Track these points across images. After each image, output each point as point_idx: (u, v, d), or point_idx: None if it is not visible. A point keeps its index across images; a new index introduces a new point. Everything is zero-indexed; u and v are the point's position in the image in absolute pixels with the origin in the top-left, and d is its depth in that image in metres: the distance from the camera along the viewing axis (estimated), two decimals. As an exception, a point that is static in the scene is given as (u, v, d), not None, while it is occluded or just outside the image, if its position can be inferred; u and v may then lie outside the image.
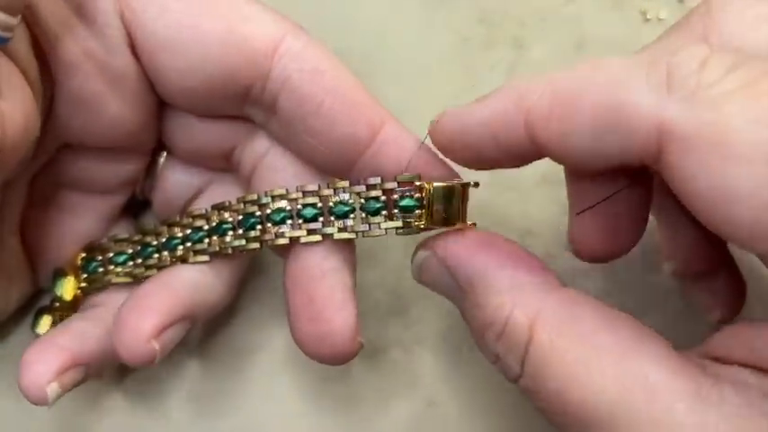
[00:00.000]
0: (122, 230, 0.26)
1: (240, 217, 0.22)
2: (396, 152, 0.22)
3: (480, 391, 0.27)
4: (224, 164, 0.25)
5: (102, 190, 0.25)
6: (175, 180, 0.26)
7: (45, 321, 0.26)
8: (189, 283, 0.23)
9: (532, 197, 0.28)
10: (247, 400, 0.27)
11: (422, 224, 0.21)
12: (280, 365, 0.28)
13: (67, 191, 0.25)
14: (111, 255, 0.25)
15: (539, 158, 0.20)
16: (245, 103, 0.23)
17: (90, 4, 0.21)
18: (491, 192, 0.28)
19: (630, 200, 0.20)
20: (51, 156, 0.24)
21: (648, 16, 0.29)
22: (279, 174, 0.23)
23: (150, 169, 0.26)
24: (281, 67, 0.22)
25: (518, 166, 0.20)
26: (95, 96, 0.22)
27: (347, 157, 0.22)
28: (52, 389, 0.22)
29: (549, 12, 0.29)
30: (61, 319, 0.25)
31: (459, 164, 0.21)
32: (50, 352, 0.23)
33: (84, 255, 0.25)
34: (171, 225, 0.24)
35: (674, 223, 0.23)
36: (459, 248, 0.20)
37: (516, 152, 0.19)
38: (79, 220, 0.25)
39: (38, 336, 0.25)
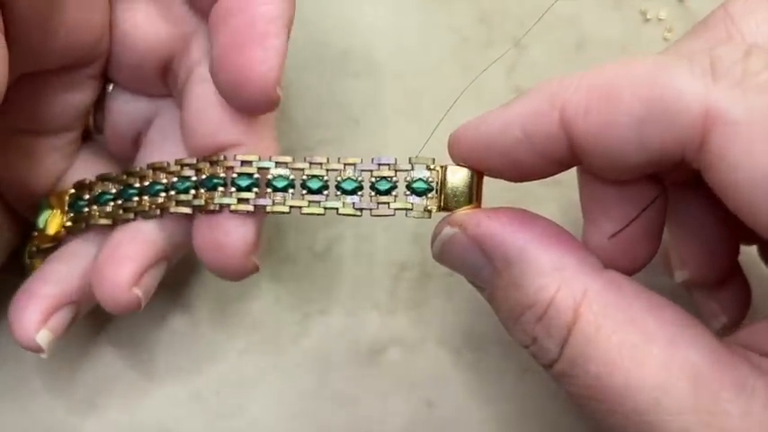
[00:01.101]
0: (87, 163, 0.26)
1: (235, 175, 0.22)
2: None
3: (479, 393, 0.27)
4: (163, 84, 0.24)
5: (57, 127, 0.25)
6: (123, 110, 0.25)
7: (54, 219, 0.25)
8: (159, 226, 0.23)
9: (533, 196, 0.28)
10: (247, 399, 0.27)
11: (434, 207, 0.21)
12: (279, 365, 0.28)
13: (22, 136, 0.25)
14: (97, 194, 0.24)
15: (572, 164, 0.19)
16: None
17: None
18: (491, 191, 0.27)
19: (654, 208, 0.20)
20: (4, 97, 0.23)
21: (648, 16, 0.29)
22: (206, 85, 0.22)
23: (99, 102, 0.25)
24: None
25: (553, 173, 0.20)
26: (48, 2, 0.21)
27: None
28: (42, 336, 0.23)
29: (549, 12, 0.29)
30: (38, 250, 0.25)
31: (492, 175, 0.21)
32: (32, 301, 0.23)
33: (72, 191, 0.25)
34: (157, 169, 0.23)
35: (688, 232, 0.22)
36: (495, 225, 0.19)
37: (551, 153, 0.18)
38: (41, 163, 0.25)
39: (38, 228, 0.25)
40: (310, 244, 0.28)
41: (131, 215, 0.23)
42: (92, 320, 0.27)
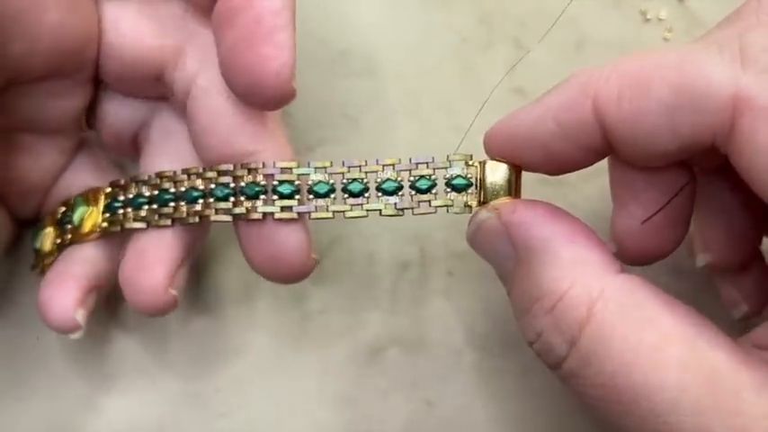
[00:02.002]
0: (87, 161, 0.26)
1: (276, 183, 0.22)
2: None
3: (480, 393, 0.27)
4: (155, 90, 0.24)
5: (51, 129, 0.25)
6: (117, 112, 0.25)
7: (47, 238, 0.25)
8: (181, 228, 0.24)
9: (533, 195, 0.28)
10: (247, 399, 0.27)
11: (474, 202, 0.21)
12: (279, 364, 0.28)
13: (19, 134, 0.24)
14: (131, 196, 0.24)
15: (606, 152, 0.19)
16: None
17: None
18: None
19: (679, 196, 0.20)
20: None
21: (648, 16, 0.29)
22: (213, 97, 0.22)
23: (93, 103, 0.25)
24: None
25: (589, 164, 0.20)
26: (32, 4, 0.21)
27: None
28: (80, 315, 0.24)
29: (548, 12, 0.29)
30: (63, 245, 0.25)
31: (528, 168, 0.21)
32: (69, 281, 0.24)
33: (109, 190, 0.25)
34: (192, 175, 0.23)
35: (713, 217, 0.22)
36: (528, 214, 0.20)
37: (585, 142, 0.19)
38: (38, 161, 0.25)
39: (35, 249, 0.25)
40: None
41: (168, 221, 0.23)
42: (91, 320, 0.27)
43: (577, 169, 0.20)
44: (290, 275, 0.23)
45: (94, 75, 0.24)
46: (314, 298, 0.28)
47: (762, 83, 0.16)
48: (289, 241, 0.22)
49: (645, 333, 0.17)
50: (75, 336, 0.24)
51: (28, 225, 0.26)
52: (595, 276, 0.18)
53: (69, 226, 0.25)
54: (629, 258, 0.20)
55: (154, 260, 0.23)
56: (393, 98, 0.29)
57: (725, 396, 0.16)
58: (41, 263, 0.25)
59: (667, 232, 0.20)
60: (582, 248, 0.18)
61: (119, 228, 0.24)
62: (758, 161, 0.16)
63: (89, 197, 0.25)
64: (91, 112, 0.25)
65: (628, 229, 0.20)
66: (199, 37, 0.23)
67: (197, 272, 0.28)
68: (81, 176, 0.26)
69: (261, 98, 0.21)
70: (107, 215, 0.24)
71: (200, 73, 0.23)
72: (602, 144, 0.19)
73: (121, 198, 0.24)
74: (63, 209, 0.25)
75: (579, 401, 0.18)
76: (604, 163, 0.21)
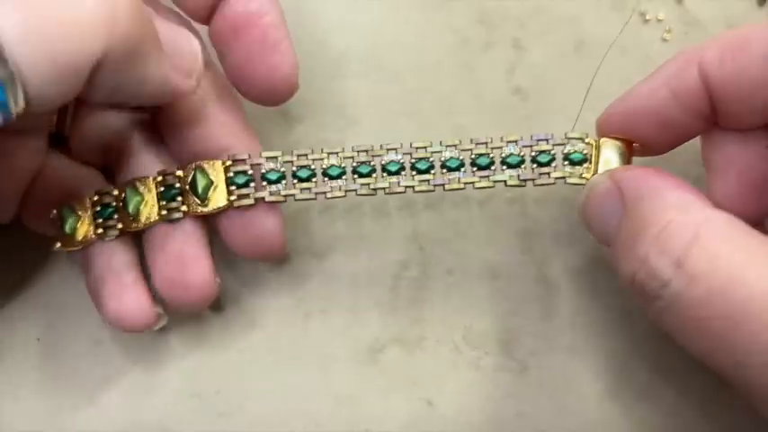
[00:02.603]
0: (61, 162, 0.26)
1: (413, 160, 0.24)
2: None
3: (479, 392, 0.28)
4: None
5: (22, 128, 0.24)
6: (91, 121, 0.25)
7: (82, 225, 0.25)
8: (195, 222, 0.25)
9: (531, 194, 0.28)
10: (247, 398, 0.27)
11: (589, 175, 0.24)
12: (279, 364, 0.28)
13: None
14: (130, 197, 0.24)
15: (712, 118, 0.22)
16: None
17: None
18: (490, 191, 0.28)
19: (765, 159, 0.22)
20: None
21: (648, 17, 0.29)
22: (186, 100, 0.24)
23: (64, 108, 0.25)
24: None
25: (696, 133, 0.23)
26: None
27: None
28: (158, 308, 0.25)
29: (547, 12, 0.29)
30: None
31: (642, 141, 0.23)
32: (132, 288, 0.25)
33: (96, 198, 0.25)
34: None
35: None
36: (638, 171, 0.22)
37: (695, 105, 0.21)
38: (10, 162, 0.25)
39: (65, 231, 0.25)
40: (310, 243, 0.28)
41: (179, 214, 0.24)
42: (91, 320, 0.27)
43: (685, 140, 0.23)
44: (271, 256, 0.26)
45: None
46: (314, 297, 0.28)
47: None
48: (268, 223, 0.24)
49: (752, 249, 0.18)
50: (160, 325, 0.26)
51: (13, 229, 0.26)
52: (700, 209, 0.19)
53: (116, 216, 0.25)
54: None
55: (191, 256, 0.24)
56: (393, 98, 0.29)
57: None
58: (68, 246, 0.25)
59: (762, 197, 0.22)
60: (686, 193, 0.20)
61: (181, 215, 0.24)
62: None
63: (76, 206, 0.25)
64: (61, 114, 0.25)
65: (724, 194, 0.22)
66: (167, 44, 0.23)
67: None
68: (59, 176, 0.25)
69: (274, 99, 0.24)
70: (99, 220, 0.25)
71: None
72: (707, 107, 0.21)
73: (114, 204, 0.25)
74: (96, 197, 0.25)
75: (672, 337, 0.19)
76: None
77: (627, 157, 0.23)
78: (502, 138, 0.24)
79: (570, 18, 0.29)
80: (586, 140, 0.24)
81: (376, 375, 0.28)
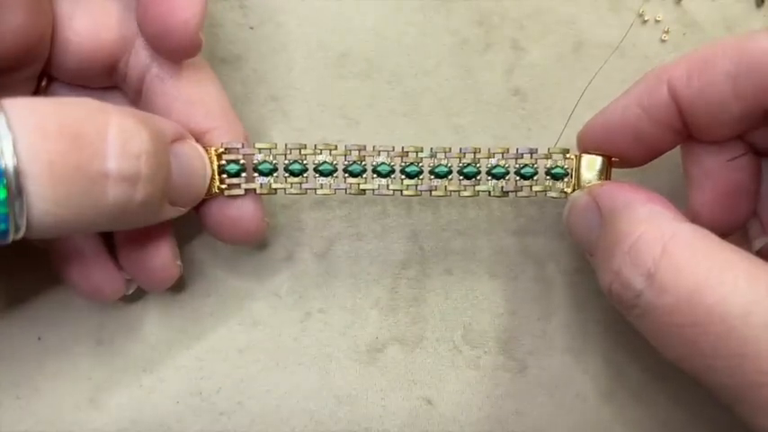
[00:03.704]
0: None
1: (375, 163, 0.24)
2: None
3: (478, 391, 0.28)
4: (109, 80, 0.25)
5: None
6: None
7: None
8: None
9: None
10: (248, 397, 0.27)
11: (569, 189, 0.25)
12: (280, 363, 0.28)
13: None
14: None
15: (683, 132, 0.23)
16: None
17: None
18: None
19: (747, 168, 0.23)
20: None
21: (646, 18, 0.29)
22: (167, 82, 0.24)
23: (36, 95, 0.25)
24: None
25: (671, 146, 0.24)
26: None
27: None
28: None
29: (546, 13, 0.29)
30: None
31: (620, 155, 0.24)
32: (97, 260, 0.25)
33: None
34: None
35: None
36: (612, 185, 0.23)
37: (665, 119, 0.22)
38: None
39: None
40: (310, 243, 0.28)
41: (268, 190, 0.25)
42: (92, 319, 0.27)
43: (661, 153, 0.24)
44: (248, 237, 0.25)
45: (41, 70, 0.24)
46: (314, 297, 0.28)
47: None
48: (245, 206, 0.25)
49: (715, 258, 0.19)
50: (132, 288, 0.26)
51: None
52: (668, 223, 0.20)
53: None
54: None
55: (155, 239, 0.25)
56: (392, 99, 0.29)
57: None
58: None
59: (737, 206, 0.23)
60: (656, 206, 0.21)
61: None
62: None
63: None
64: None
65: (702, 203, 0.23)
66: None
67: (198, 272, 0.28)
68: None
69: (170, 45, 0.23)
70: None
71: (152, 62, 0.24)
72: (678, 122, 0.22)
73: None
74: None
75: (652, 344, 0.20)
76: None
77: (606, 172, 0.24)
78: (489, 149, 0.24)
79: (569, 19, 0.29)
80: (567, 156, 0.25)
81: (376, 374, 0.28)
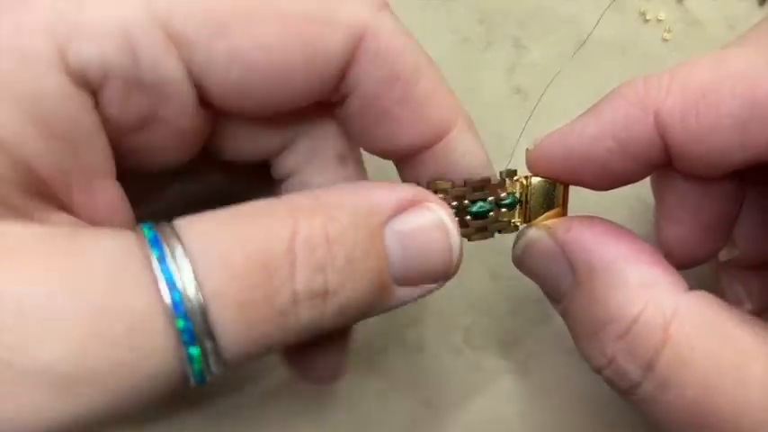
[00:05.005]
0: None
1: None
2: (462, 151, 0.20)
3: (479, 393, 0.28)
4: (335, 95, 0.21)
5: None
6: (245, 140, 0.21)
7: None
8: None
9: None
10: (247, 399, 0.27)
11: (518, 221, 0.20)
12: (280, 364, 0.28)
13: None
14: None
15: (664, 165, 0.19)
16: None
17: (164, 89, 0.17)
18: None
19: (733, 197, 0.20)
20: None
21: (648, 17, 0.29)
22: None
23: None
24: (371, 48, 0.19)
25: (642, 178, 0.19)
26: (160, 150, 0.19)
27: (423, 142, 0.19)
28: None
29: (548, 12, 0.29)
30: None
31: (579, 184, 0.20)
32: None
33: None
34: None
35: (750, 215, 0.22)
36: (584, 233, 0.19)
37: (646, 158, 0.18)
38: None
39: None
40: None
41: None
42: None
43: (627, 184, 0.20)
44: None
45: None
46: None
47: None
48: (324, 366, 0.22)
49: (725, 352, 0.16)
50: None
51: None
52: (668, 295, 0.17)
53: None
54: (676, 263, 0.20)
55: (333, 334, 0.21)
56: (393, 98, 0.29)
57: None
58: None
59: (715, 236, 0.20)
60: (649, 269, 0.18)
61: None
62: None
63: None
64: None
65: (675, 235, 0.20)
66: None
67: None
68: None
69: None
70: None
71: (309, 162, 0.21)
72: (662, 158, 0.18)
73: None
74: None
75: (642, 418, 0.18)
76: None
77: (563, 198, 0.21)
78: (428, 183, 0.20)
79: (570, 18, 0.29)
80: (516, 178, 0.20)
81: (376, 376, 0.27)
